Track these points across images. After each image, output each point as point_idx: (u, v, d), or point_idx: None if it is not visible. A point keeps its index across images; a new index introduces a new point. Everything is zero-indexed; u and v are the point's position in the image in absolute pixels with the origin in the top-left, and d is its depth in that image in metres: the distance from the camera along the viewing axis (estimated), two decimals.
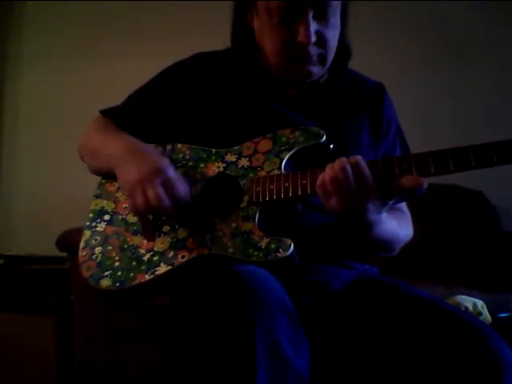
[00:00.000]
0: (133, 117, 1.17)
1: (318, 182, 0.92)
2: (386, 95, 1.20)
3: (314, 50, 1.06)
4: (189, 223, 1.01)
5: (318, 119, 1.10)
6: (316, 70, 1.09)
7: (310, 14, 1.03)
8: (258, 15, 1.08)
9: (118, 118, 1.19)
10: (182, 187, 0.99)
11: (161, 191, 0.97)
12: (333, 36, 1.08)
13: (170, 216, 1.00)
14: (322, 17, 1.04)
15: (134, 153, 1.05)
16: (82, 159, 1.21)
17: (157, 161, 1.01)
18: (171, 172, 1.00)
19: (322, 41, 1.05)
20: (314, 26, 1.03)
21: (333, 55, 1.10)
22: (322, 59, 1.08)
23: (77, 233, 1.11)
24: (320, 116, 1.11)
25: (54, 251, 1.68)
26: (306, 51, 1.05)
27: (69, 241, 1.54)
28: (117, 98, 1.24)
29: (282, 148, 1.02)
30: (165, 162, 1.02)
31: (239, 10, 1.14)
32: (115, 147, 1.08)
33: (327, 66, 1.11)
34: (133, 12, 2.72)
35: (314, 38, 1.03)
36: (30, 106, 2.85)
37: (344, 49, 1.14)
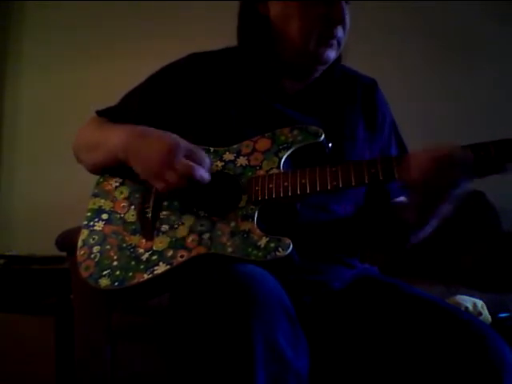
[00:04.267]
0: (129, 116, 1.17)
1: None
2: (378, 90, 1.21)
3: (339, 32, 1.08)
4: (190, 219, 1.01)
5: (314, 115, 1.11)
6: (333, 55, 1.11)
7: None
8: None
9: (115, 117, 1.18)
10: (203, 154, 1.00)
11: (188, 161, 0.97)
12: (348, 24, 1.11)
13: (205, 180, 0.99)
14: (346, 0, 1.08)
15: (142, 136, 1.04)
16: (78, 157, 1.20)
17: (171, 138, 1.01)
18: (188, 144, 1.00)
19: (345, 24, 1.09)
20: (345, 7, 1.07)
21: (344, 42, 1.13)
22: (339, 44, 1.11)
23: (76, 233, 1.10)
24: (316, 112, 1.12)
25: (54, 251, 1.68)
26: (334, 31, 1.07)
27: (68, 240, 1.54)
28: (116, 98, 1.24)
29: (281, 147, 1.02)
30: (178, 137, 1.02)
31: (248, 3, 1.15)
32: (121, 136, 1.06)
33: (339, 52, 1.13)
34: (133, 12, 2.72)
35: (347, 18, 1.07)
36: (29, 106, 2.85)
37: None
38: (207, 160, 1.00)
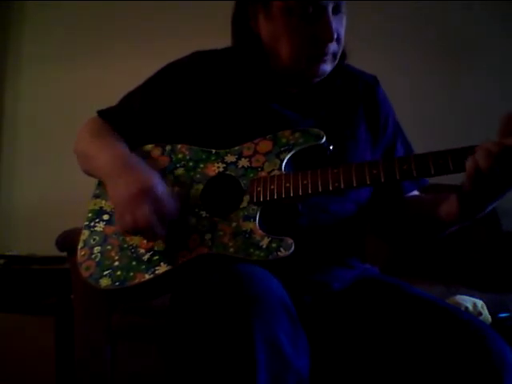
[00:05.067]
0: (131, 117, 1.17)
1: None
2: (379, 89, 1.20)
3: (331, 48, 1.06)
4: (192, 220, 1.01)
5: (315, 116, 1.11)
6: (328, 68, 1.09)
7: (330, 9, 1.03)
8: (272, 18, 1.07)
9: (116, 119, 1.18)
10: (171, 206, 0.99)
11: (150, 212, 0.96)
12: (343, 33, 1.09)
13: (157, 236, 0.99)
14: (337, 12, 1.05)
15: (123, 167, 1.03)
16: (76, 157, 1.20)
17: (147, 178, 1.00)
18: (161, 190, 0.99)
19: (338, 38, 1.06)
20: (333, 23, 1.03)
21: (341, 52, 1.11)
22: (334, 57, 1.09)
23: (77, 233, 1.10)
24: (317, 113, 1.12)
25: (54, 251, 1.68)
26: (325, 49, 1.05)
27: (69, 241, 1.54)
28: (116, 98, 1.23)
29: (282, 149, 1.02)
30: (155, 180, 1.01)
31: (240, 19, 1.13)
32: (105, 159, 1.07)
33: (336, 63, 1.11)
34: (133, 12, 2.72)
35: (336, 35, 1.04)
36: (30, 105, 2.85)
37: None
38: (171, 213, 0.98)
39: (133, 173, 1.02)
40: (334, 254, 1.08)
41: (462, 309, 1.52)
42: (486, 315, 1.56)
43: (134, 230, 0.98)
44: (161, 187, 1.00)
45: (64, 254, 1.67)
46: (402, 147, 1.19)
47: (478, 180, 0.87)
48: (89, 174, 1.16)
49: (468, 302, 1.58)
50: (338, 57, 1.10)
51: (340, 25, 1.07)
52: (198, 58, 1.17)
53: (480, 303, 1.58)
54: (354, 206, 1.11)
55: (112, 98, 1.24)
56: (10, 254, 2.28)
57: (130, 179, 1.00)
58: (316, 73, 1.09)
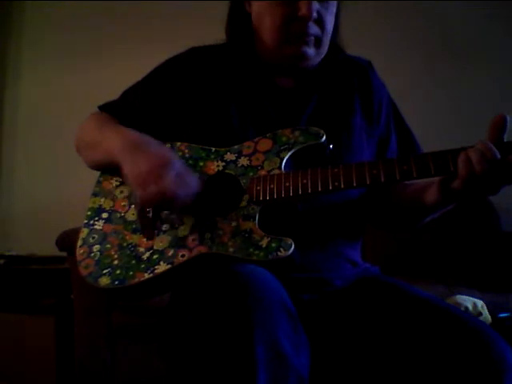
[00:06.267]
0: (132, 112, 1.17)
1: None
2: (373, 74, 1.20)
3: (312, 29, 1.07)
4: (191, 219, 1.01)
5: (310, 109, 1.10)
6: (311, 52, 1.09)
7: None
8: None
9: (117, 112, 1.18)
10: (193, 180, 0.99)
11: (175, 182, 0.96)
12: (330, 21, 1.09)
13: (180, 207, 0.98)
14: None
15: (140, 144, 1.03)
16: (79, 153, 1.19)
17: (166, 153, 1.01)
18: (181, 165, 1.00)
19: (320, 21, 1.07)
20: (315, 4, 1.05)
21: (328, 41, 1.11)
22: (318, 42, 1.09)
23: (76, 233, 1.10)
24: (312, 105, 1.11)
25: (54, 251, 1.68)
26: (305, 28, 1.06)
27: (68, 240, 1.54)
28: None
29: (282, 148, 1.02)
30: (174, 155, 1.02)
31: (235, 2, 1.15)
32: (118, 139, 1.06)
33: (322, 51, 1.11)
34: (133, 12, 2.72)
35: (315, 14, 1.05)
36: (29, 106, 2.85)
37: (335, 46, 1.16)
38: (193, 186, 0.98)
39: (151, 148, 1.01)
40: (335, 252, 1.08)
41: (462, 309, 1.52)
42: (486, 315, 1.57)
43: (159, 200, 0.96)
44: (181, 162, 1.00)
45: (64, 253, 1.68)
46: (395, 136, 1.19)
47: (471, 182, 0.87)
48: (96, 165, 1.14)
49: (468, 301, 1.58)
50: (324, 44, 1.10)
51: (325, 10, 1.07)
52: (195, 54, 1.17)
53: (480, 303, 1.58)
54: (354, 197, 1.10)
55: (112, 98, 1.24)
56: (9, 253, 2.29)
57: (150, 154, 0.99)
58: (297, 53, 1.08)
